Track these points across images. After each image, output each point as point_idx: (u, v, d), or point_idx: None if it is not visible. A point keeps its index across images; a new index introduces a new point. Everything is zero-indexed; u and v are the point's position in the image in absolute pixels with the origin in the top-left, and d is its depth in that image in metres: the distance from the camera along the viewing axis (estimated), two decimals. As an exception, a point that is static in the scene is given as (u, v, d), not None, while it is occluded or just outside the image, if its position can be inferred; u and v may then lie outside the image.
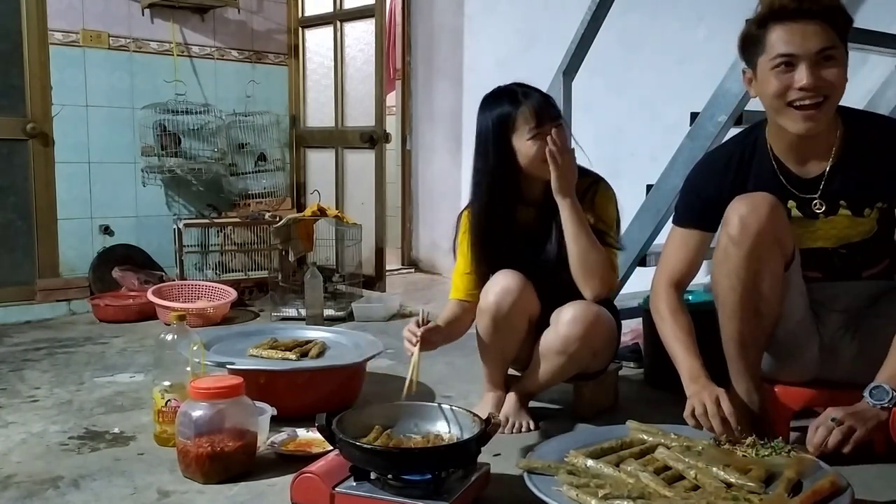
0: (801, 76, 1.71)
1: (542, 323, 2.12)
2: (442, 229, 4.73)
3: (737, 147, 1.93)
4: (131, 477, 1.80)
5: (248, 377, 1.91)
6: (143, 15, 4.10)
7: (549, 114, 2.05)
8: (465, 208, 2.24)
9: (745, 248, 1.74)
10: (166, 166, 4.07)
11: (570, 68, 3.11)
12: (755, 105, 2.13)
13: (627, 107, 3.64)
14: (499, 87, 2.14)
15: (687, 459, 1.56)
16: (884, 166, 1.80)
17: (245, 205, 4.34)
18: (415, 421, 1.78)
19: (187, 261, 4.05)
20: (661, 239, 2.61)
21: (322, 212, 3.95)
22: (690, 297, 2.35)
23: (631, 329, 2.87)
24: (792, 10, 1.71)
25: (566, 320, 2.02)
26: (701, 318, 1.91)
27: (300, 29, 4.71)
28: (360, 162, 4.41)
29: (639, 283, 2.77)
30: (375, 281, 4.28)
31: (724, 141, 2.06)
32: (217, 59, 4.39)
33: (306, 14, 4.71)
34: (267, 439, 1.94)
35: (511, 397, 2.17)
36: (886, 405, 1.65)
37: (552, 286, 2.09)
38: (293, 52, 4.70)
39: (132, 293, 3.76)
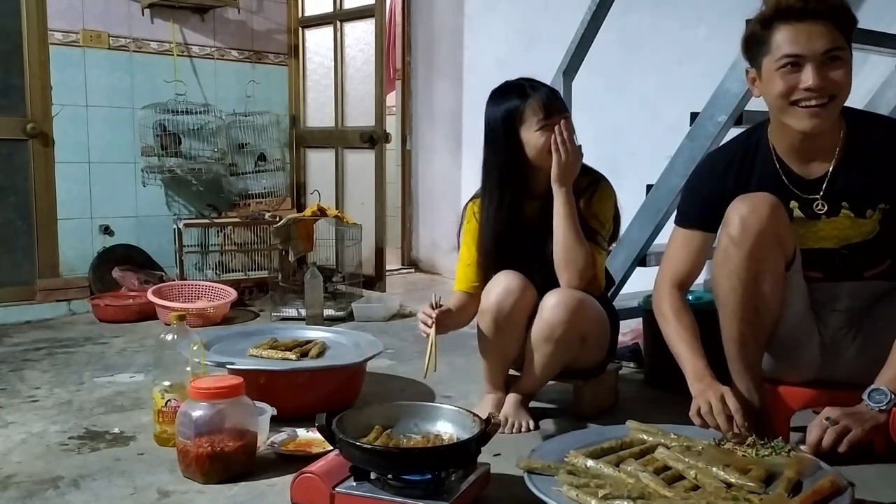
0: (808, 77, 1.70)
1: None
2: (442, 229, 4.74)
3: (739, 147, 1.93)
4: (131, 477, 1.81)
5: (248, 377, 1.91)
6: (143, 15, 4.10)
7: (556, 106, 2.09)
8: (471, 199, 2.25)
9: (746, 249, 1.74)
10: (166, 166, 4.07)
11: (570, 68, 3.11)
12: (755, 105, 2.13)
13: (627, 107, 3.64)
14: (507, 82, 2.17)
15: (687, 459, 1.56)
16: (886, 167, 1.80)
17: (245, 205, 4.34)
18: (415, 421, 1.78)
19: (187, 261, 4.05)
20: (661, 239, 2.62)
21: (322, 212, 3.95)
22: (690, 297, 2.35)
23: (631, 329, 2.87)
24: (798, 10, 1.70)
25: (549, 306, 2.04)
26: (701, 318, 1.91)
27: (300, 29, 4.71)
28: (360, 162, 4.41)
29: (639, 283, 2.78)
30: (375, 281, 4.28)
31: (726, 141, 2.06)
32: (217, 59, 4.39)
33: (306, 14, 4.71)
34: (267, 439, 1.94)
35: (511, 398, 2.17)
36: (884, 408, 1.65)
37: (554, 284, 2.10)
38: (293, 52, 4.70)
39: (132, 293, 3.76)
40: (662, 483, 1.48)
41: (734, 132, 2.17)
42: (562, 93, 3.00)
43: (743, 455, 1.61)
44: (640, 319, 2.74)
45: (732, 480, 1.47)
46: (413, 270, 5.10)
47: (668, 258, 1.98)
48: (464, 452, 1.59)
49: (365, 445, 1.55)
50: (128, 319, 3.59)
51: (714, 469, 1.51)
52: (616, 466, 1.57)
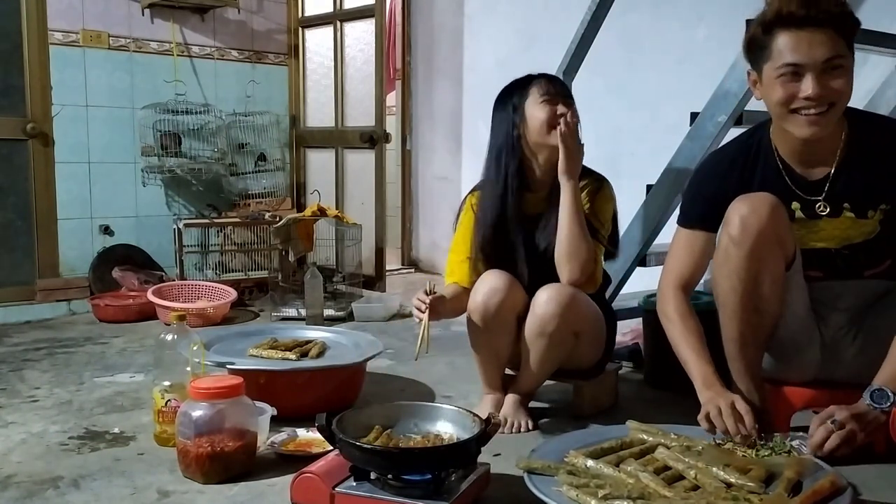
0: (808, 86, 1.69)
1: None
2: (442, 229, 4.74)
3: (741, 147, 1.92)
4: (131, 477, 1.80)
5: (248, 377, 1.90)
6: (143, 15, 4.10)
7: (562, 90, 2.15)
8: (471, 191, 2.27)
9: (746, 249, 1.74)
10: (166, 166, 4.07)
11: (570, 68, 3.11)
12: (755, 105, 2.13)
13: (627, 107, 3.64)
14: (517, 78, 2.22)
15: (687, 459, 1.56)
16: (888, 169, 1.80)
17: (245, 205, 4.34)
18: (415, 421, 1.77)
19: (187, 261, 4.05)
20: (660, 239, 2.62)
21: (322, 212, 3.95)
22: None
23: (631, 329, 2.87)
24: (800, 17, 1.68)
25: (540, 301, 2.04)
26: (701, 318, 1.91)
27: (300, 29, 4.71)
28: (360, 162, 4.41)
29: (639, 283, 2.78)
30: (375, 281, 4.28)
31: (727, 141, 2.06)
32: (217, 59, 4.39)
33: (306, 14, 4.71)
34: (267, 439, 1.94)
35: (510, 398, 2.17)
36: (887, 409, 1.65)
37: (548, 281, 2.10)
38: (293, 52, 4.70)
39: (132, 293, 3.76)
40: (662, 483, 1.48)
41: (734, 132, 2.17)
42: (562, 92, 3.02)
43: (743, 455, 1.61)
44: (640, 319, 2.74)
45: (732, 480, 1.47)
46: (413, 270, 5.10)
47: (671, 259, 1.97)
48: (464, 452, 1.59)
49: (365, 445, 1.55)
50: (128, 319, 3.59)
51: (714, 469, 1.51)
52: (616, 466, 1.57)
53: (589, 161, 2.22)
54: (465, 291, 2.20)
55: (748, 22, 2.31)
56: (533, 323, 2.06)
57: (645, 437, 1.72)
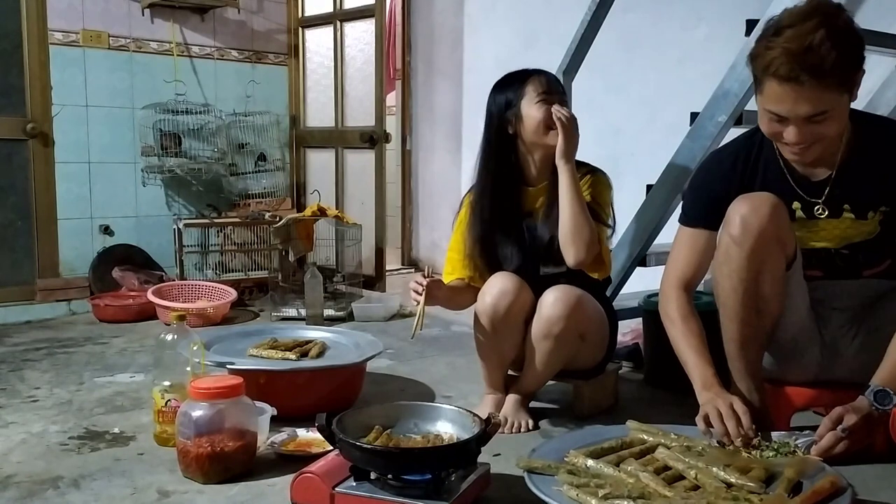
0: (790, 135, 1.68)
1: None
2: (442, 229, 4.74)
3: (744, 146, 1.92)
4: (131, 477, 1.80)
5: (248, 377, 1.90)
6: (143, 15, 4.10)
7: (557, 88, 2.16)
8: (470, 188, 2.27)
9: (747, 248, 1.74)
10: (166, 166, 4.07)
11: (570, 68, 3.11)
12: (755, 105, 2.13)
13: (627, 107, 3.64)
14: (510, 72, 2.22)
15: (687, 459, 1.56)
16: (889, 171, 1.79)
17: (245, 205, 4.34)
18: (415, 421, 1.77)
19: (187, 261, 4.05)
20: (661, 239, 2.62)
21: (322, 212, 3.95)
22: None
23: (631, 329, 2.87)
24: (786, 76, 1.62)
25: (548, 303, 2.04)
26: (701, 318, 1.90)
27: (300, 29, 4.71)
28: (360, 162, 4.41)
29: (639, 283, 2.78)
30: (375, 281, 4.28)
31: (729, 140, 2.05)
32: (217, 59, 4.39)
33: (306, 14, 4.71)
34: (267, 439, 1.94)
35: (511, 398, 2.17)
36: (889, 409, 1.64)
37: (549, 283, 2.10)
38: (293, 52, 4.69)
39: (132, 293, 3.76)
40: (662, 483, 1.48)
41: (734, 132, 2.17)
42: (562, 93, 3.02)
43: (748, 455, 1.61)
44: (640, 319, 2.73)
45: (732, 480, 1.47)
46: (413, 270, 5.10)
47: (673, 258, 1.97)
48: (464, 452, 1.58)
49: (365, 445, 1.55)
50: (128, 319, 3.59)
51: (714, 469, 1.51)
52: (616, 466, 1.57)
53: (589, 161, 2.23)
54: (467, 286, 2.22)
55: (749, 22, 2.32)
56: (539, 324, 2.05)
57: (645, 437, 1.72)
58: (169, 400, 1.95)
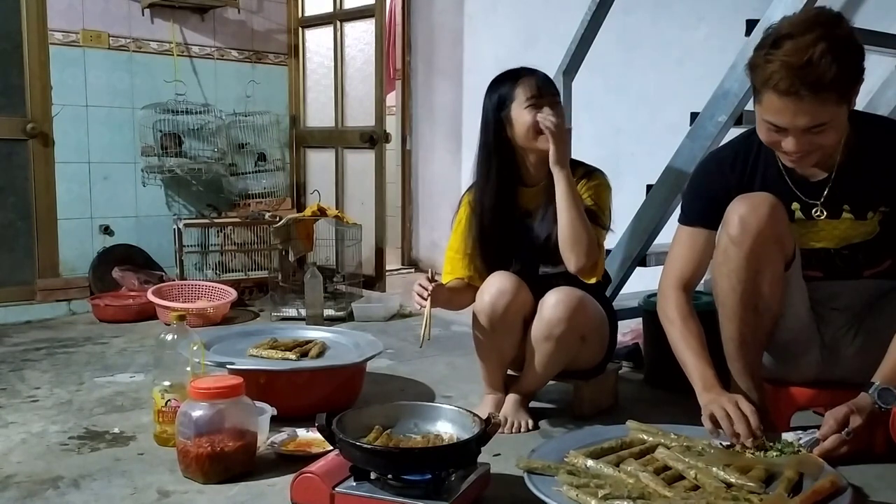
0: (788, 145, 1.67)
1: None
2: (442, 229, 4.73)
3: (743, 146, 1.91)
4: (131, 477, 1.80)
5: (248, 377, 1.91)
6: (143, 15, 4.09)
7: (549, 89, 2.13)
8: (468, 188, 2.27)
9: (746, 248, 1.74)
10: (166, 166, 4.07)
11: (570, 68, 3.11)
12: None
13: (627, 107, 3.64)
14: (504, 70, 2.19)
15: (687, 459, 1.56)
16: (888, 170, 1.79)
17: (245, 205, 4.34)
18: (415, 421, 1.78)
19: (187, 261, 4.05)
20: (661, 239, 2.62)
21: (322, 212, 3.95)
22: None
23: (631, 329, 2.87)
24: (786, 90, 1.60)
25: (549, 305, 2.04)
26: (700, 318, 1.90)
27: (300, 29, 4.71)
28: (360, 162, 4.41)
29: (639, 283, 2.78)
30: (375, 281, 4.28)
31: (729, 140, 2.05)
32: (217, 59, 4.39)
33: (306, 14, 4.71)
34: (267, 439, 1.94)
35: (511, 398, 2.17)
36: (892, 408, 1.64)
37: (548, 283, 2.10)
38: (293, 52, 4.69)
39: (132, 293, 3.76)
40: (662, 483, 1.48)
41: (734, 132, 2.17)
42: (562, 93, 3.01)
43: (750, 454, 1.60)
44: (640, 319, 2.73)
45: (732, 480, 1.47)
46: (413, 270, 5.10)
47: (672, 258, 1.96)
48: (464, 452, 1.59)
49: (365, 445, 1.55)
50: (128, 319, 3.59)
51: (714, 469, 1.51)
52: (616, 466, 1.57)
53: (589, 161, 2.23)
54: (466, 285, 2.23)
55: (748, 22, 2.32)
56: (540, 326, 2.05)
57: (645, 437, 1.72)
58: (169, 400, 1.95)
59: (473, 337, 2.16)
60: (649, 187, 2.64)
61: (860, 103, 2.70)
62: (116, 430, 2.13)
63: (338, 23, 4.52)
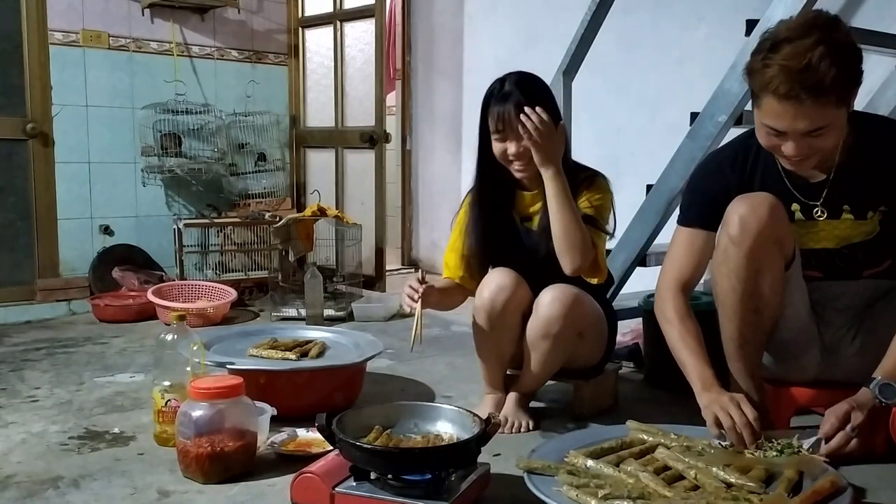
0: (788, 149, 1.67)
1: None
2: (442, 229, 4.73)
3: (742, 147, 1.91)
4: (131, 477, 1.80)
5: (248, 377, 1.90)
6: (143, 15, 4.10)
7: (511, 124, 2.02)
8: (470, 189, 2.27)
9: (745, 248, 1.74)
10: (166, 166, 4.07)
11: (570, 68, 3.11)
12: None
13: (627, 107, 3.64)
14: (500, 77, 2.14)
15: (687, 459, 1.56)
16: (887, 170, 1.79)
17: (245, 205, 4.34)
18: (415, 421, 1.77)
19: (187, 261, 4.05)
20: (661, 239, 2.62)
21: (322, 212, 3.95)
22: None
23: (631, 329, 2.87)
24: (785, 94, 1.60)
25: (545, 302, 2.03)
26: (700, 318, 1.90)
27: (300, 29, 4.71)
28: (360, 162, 4.41)
29: (639, 283, 2.78)
30: (375, 281, 4.28)
31: (729, 140, 2.05)
32: (217, 59, 4.39)
33: (306, 14, 4.71)
34: (267, 439, 1.94)
35: (511, 398, 2.17)
36: (894, 403, 1.64)
37: (547, 281, 2.10)
38: (293, 52, 4.70)
39: (132, 293, 3.76)
40: (662, 483, 1.48)
41: (734, 132, 2.17)
42: (562, 93, 3.02)
43: (752, 454, 1.60)
44: (640, 319, 2.74)
45: (732, 480, 1.47)
46: (413, 270, 5.09)
47: (670, 259, 1.96)
48: (464, 452, 1.59)
49: (365, 445, 1.55)
50: (128, 319, 3.59)
51: (714, 469, 1.51)
52: (616, 466, 1.57)
53: (589, 161, 2.22)
54: (457, 286, 2.23)
55: (748, 22, 2.32)
56: (537, 324, 2.05)
57: (645, 437, 1.72)
58: (169, 400, 1.95)
59: (473, 334, 2.16)
60: (649, 187, 2.64)
61: (860, 103, 2.71)
62: (116, 430, 2.13)
63: (338, 23, 4.52)
